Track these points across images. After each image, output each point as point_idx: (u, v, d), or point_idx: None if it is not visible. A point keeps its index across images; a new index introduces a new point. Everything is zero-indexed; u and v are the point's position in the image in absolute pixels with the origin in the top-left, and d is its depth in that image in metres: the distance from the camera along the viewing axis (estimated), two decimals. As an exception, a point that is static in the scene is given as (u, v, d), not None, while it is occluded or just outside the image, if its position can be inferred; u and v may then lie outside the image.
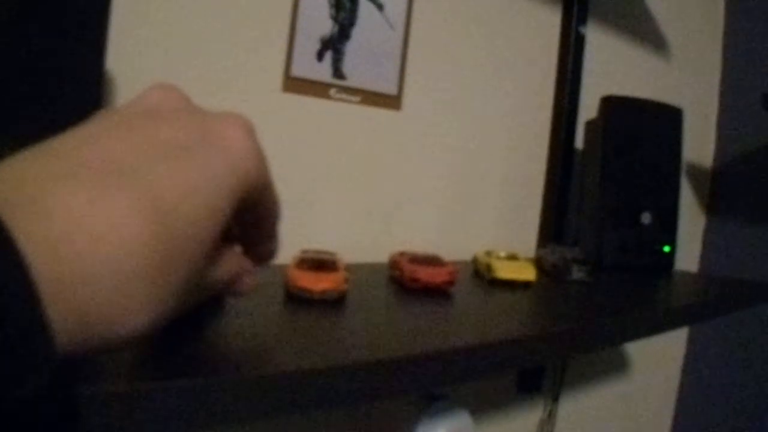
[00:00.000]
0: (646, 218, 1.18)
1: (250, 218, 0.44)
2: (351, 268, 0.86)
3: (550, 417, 1.44)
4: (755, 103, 1.39)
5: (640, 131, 1.20)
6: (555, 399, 1.43)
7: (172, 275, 0.31)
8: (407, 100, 1.08)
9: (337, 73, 0.99)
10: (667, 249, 1.22)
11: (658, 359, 1.86)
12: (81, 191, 0.28)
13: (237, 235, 0.47)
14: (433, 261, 0.81)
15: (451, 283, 0.77)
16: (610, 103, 1.19)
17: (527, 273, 0.88)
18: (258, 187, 0.40)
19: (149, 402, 0.36)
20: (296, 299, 0.63)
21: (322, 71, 0.98)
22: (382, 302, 0.69)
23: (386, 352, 0.50)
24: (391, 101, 1.06)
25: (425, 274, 0.76)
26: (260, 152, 0.40)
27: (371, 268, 0.90)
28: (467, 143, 1.19)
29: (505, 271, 0.88)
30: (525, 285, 0.89)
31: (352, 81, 1.01)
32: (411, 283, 0.76)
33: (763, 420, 1.75)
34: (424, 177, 1.12)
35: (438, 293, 0.76)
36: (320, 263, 0.70)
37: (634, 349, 1.75)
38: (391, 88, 1.05)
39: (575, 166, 1.32)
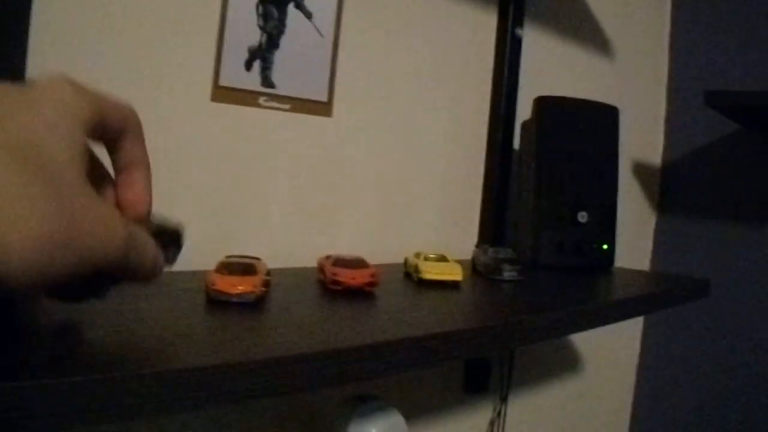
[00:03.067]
0: (583, 217, 1.21)
1: (108, 137, 0.48)
2: (280, 272, 0.88)
3: (500, 417, 1.46)
4: (701, 100, 1.43)
5: (575, 130, 1.24)
6: (504, 398, 1.46)
7: (43, 185, 0.37)
8: (338, 106, 1.11)
9: (266, 81, 1.01)
10: (605, 247, 1.25)
11: (612, 356, 1.90)
12: None
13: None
14: (356, 263, 0.83)
15: (373, 284, 0.79)
16: (543, 103, 1.23)
17: (454, 273, 0.91)
18: (97, 112, 0.45)
19: (48, 396, 0.38)
20: (214, 302, 0.66)
21: (251, 80, 1.00)
22: (302, 304, 0.71)
23: (300, 349, 0.52)
24: (322, 108, 1.08)
25: (346, 276, 0.78)
26: (81, 88, 0.44)
27: (301, 273, 0.92)
28: (402, 147, 1.21)
29: (433, 271, 0.91)
30: (453, 285, 0.92)
31: (281, 89, 1.03)
32: (332, 285, 0.79)
33: (720, 413, 1.78)
34: (358, 182, 1.15)
35: (361, 295, 0.78)
36: (241, 267, 0.72)
37: (586, 347, 1.78)
38: (321, 95, 1.08)
39: (513, 167, 1.34)
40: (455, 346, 0.65)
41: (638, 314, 1.05)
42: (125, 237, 0.43)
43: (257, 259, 0.79)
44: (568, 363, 1.74)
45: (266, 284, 0.71)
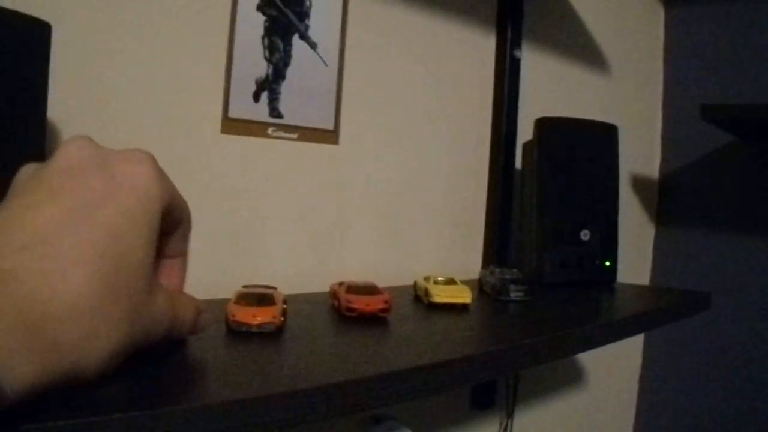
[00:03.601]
0: (585, 235, 1.24)
1: (167, 226, 0.52)
2: (293, 299, 0.90)
3: (506, 433, 1.49)
4: (697, 114, 1.45)
5: (576, 150, 1.26)
6: (510, 415, 1.48)
7: (119, 302, 0.41)
8: (344, 133, 1.14)
9: (274, 112, 1.04)
10: (608, 263, 1.27)
11: (614, 370, 1.91)
12: (35, 258, 0.37)
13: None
14: (369, 290, 0.85)
15: (386, 310, 0.81)
16: (543, 124, 1.25)
17: (464, 296, 0.93)
18: (169, 202, 0.49)
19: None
20: (235, 333, 0.68)
21: (259, 111, 1.03)
22: (319, 332, 0.73)
23: (321, 378, 0.54)
24: (328, 136, 1.11)
25: (360, 303, 0.81)
26: (161, 175, 0.49)
27: (314, 299, 0.94)
28: (406, 171, 1.24)
29: (442, 295, 0.93)
30: (463, 307, 0.94)
31: (289, 119, 1.06)
32: (347, 312, 0.81)
33: (722, 425, 1.79)
34: (364, 207, 1.18)
35: (375, 321, 0.81)
36: (259, 297, 0.74)
37: (589, 361, 1.80)
38: (327, 123, 1.11)
39: (516, 187, 1.37)
40: (469, 371, 0.67)
41: (642, 330, 1.07)
42: (171, 317, 0.50)
43: (273, 288, 0.81)
44: (572, 378, 1.76)
45: (284, 313, 0.73)
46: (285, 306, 0.75)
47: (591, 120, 1.30)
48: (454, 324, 0.82)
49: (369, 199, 1.18)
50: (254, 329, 0.68)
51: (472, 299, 0.95)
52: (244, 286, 0.81)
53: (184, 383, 0.51)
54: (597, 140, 1.30)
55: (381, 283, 0.91)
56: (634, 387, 2.02)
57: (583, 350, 0.89)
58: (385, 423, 0.97)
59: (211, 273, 0.95)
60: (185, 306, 0.53)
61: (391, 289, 1.04)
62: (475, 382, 0.68)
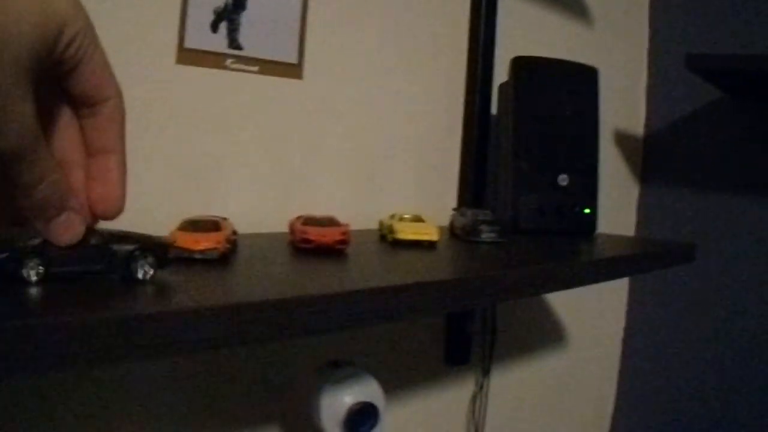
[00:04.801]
0: (563, 180, 1.20)
1: (80, 91, 0.47)
2: (251, 237, 0.87)
3: (482, 390, 1.45)
4: (683, 68, 1.42)
5: (554, 91, 1.22)
6: (486, 372, 1.45)
7: None
8: (309, 68, 1.09)
9: (233, 43, 0.99)
10: (587, 211, 1.23)
11: (596, 327, 1.89)
12: None
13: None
14: (327, 222, 0.82)
15: (344, 242, 0.78)
16: (520, 64, 1.21)
17: (430, 233, 0.90)
18: (79, 24, 0.43)
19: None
20: (178, 260, 0.64)
21: (218, 42, 0.98)
22: (269, 262, 0.70)
23: (265, 296, 0.51)
24: (292, 70, 1.06)
25: (316, 233, 0.77)
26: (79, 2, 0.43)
27: (272, 237, 0.91)
28: (376, 111, 1.20)
29: (407, 231, 0.89)
30: (429, 245, 0.90)
31: (249, 50, 1.01)
32: (302, 243, 0.77)
33: (707, 382, 1.78)
34: (331, 146, 1.13)
35: (332, 253, 0.77)
36: (204, 224, 0.70)
37: (570, 317, 1.77)
38: (290, 57, 1.06)
39: (492, 131, 1.33)
40: (430, 298, 0.64)
41: (622, 275, 1.03)
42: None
43: (224, 218, 0.77)
44: (552, 335, 1.73)
45: (231, 242, 0.70)
46: (234, 236, 0.72)
47: (570, 61, 1.26)
48: (417, 260, 0.78)
49: (335, 137, 1.14)
50: (196, 255, 0.65)
51: (440, 238, 0.92)
52: (192, 217, 0.77)
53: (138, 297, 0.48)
54: (576, 82, 1.26)
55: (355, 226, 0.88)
56: (617, 345, 1.99)
57: (556, 288, 0.85)
58: (345, 368, 0.93)
59: (165, 210, 0.91)
60: (59, 170, 0.46)
61: (358, 232, 1.00)
62: (438, 311, 0.65)
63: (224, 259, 0.67)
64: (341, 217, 0.91)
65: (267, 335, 0.50)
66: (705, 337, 1.80)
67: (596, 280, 0.93)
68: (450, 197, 1.34)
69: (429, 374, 1.37)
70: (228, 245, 0.68)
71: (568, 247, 1.04)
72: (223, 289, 0.53)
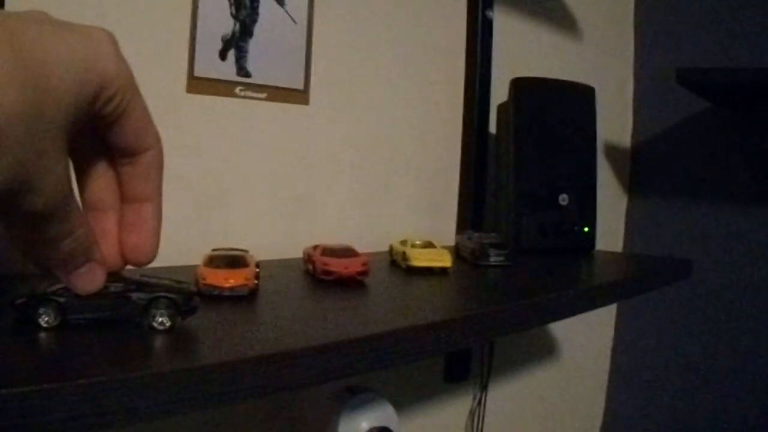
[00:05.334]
0: (563, 200, 1.23)
1: (120, 147, 0.48)
2: (266, 264, 0.88)
3: (480, 405, 1.47)
4: (670, 78, 1.44)
5: (552, 111, 1.25)
6: (484, 387, 1.46)
7: (24, 102, 0.36)
8: (315, 94, 1.10)
9: (242, 71, 1.01)
10: (586, 229, 1.26)
11: (587, 342, 1.91)
12: None
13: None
14: (346, 252, 0.83)
15: (365, 273, 0.79)
16: (519, 85, 1.23)
17: (443, 259, 0.91)
18: (120, 81, 0.44)
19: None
20: (206, 298, 0.64)
21: (226, 70, 0.99)
22: (295, 295, 0.71)
23: (300, 342, 0.51)
24: (298, 96, 1.08)
25: (338, 265, 0.78)
26: (120, 53, 0.45)
27: (286, 264, 0.92)
28: (378, 134, 1.22)
29: (421, 258, 0.91)
30: (442, 272, 0.92)
31: (257, 78, 1.03)
32: (324, 275, 0.78)
33: (695, 397, 1.80)
34: (336, 170, 1.15)
35: (352, 284, 0.79)
36: (231, 260, 0.71)
37: (562, 332, 1.80)
38: (297, 83, 1.08)
39: (490, 151, 1.35)
40: (454, 334, 0.65)
41: (624, 297, 1.06)
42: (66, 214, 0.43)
43: (245, 251, 0.78)
44: (544, 350, 1.76)
45: (257, 276, 0.71)
46: (258, 269, 0.73)
47: (568, 81, 1.29)
48: (434, 288, 0.80)
49: (340, 161, 1.16)
50: (226, 293, 0.66)
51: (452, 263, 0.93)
52: (214, 250, 0.78)
53: (153, 350, 0.48)
54: (574, 102, 1.28)
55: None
56: (607, 358, 2.01)
57: (567, 316, 0.87)
58: (362, 394, 0.95)
59: (176, 238, 0.92)
60: (87, 225, 0.46)
61: (367, 255, 1.02)
62: (459, 347, 0.66)
63: (252, 295, 0.68)
64: (346, 241, 0.92)
65: (306, 381, 0.51)
66: (691, 346, 1.82)
67: (602, 304, 0.96)
68: (450, 217, 1.36)
69: (430, 392, 1.38)
70: (255, 281, 0.69)
71: (571, 270, 1.06)
72: (261, 333, 0.54)
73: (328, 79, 1.13)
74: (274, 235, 1.06)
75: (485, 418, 1.50)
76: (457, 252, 1.12)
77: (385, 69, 1.22)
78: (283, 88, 1.06)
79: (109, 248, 0.49)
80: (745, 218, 1.73)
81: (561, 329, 1.79)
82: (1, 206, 0.38)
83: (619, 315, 2.00)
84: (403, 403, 1.31)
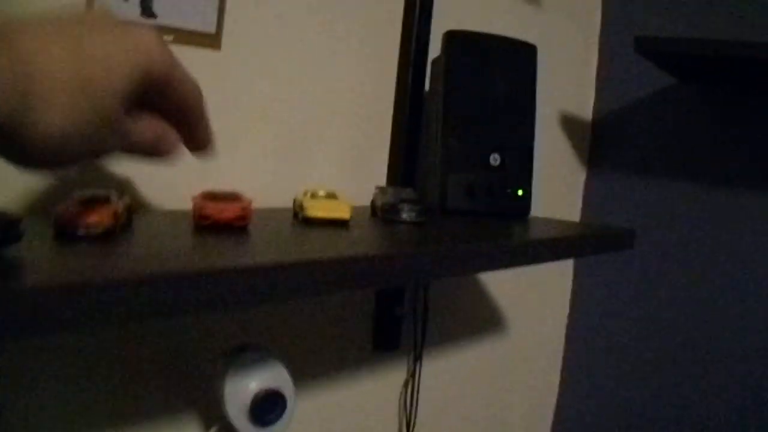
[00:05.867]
0: (495, 159, 1.18)
1: (172, 104, 0.61)
2: (155, 214, 0.85)
3: (414, 377, 1.43)
4: (634, 53, 1.41)
5: (488, 68, 1.20)
6: (417, 358, 1.42)
7: (89, 97, 0.49)
8: (228, 38, 1.05)
9: (146, 11, 0.96)
10: (520, 192, 1.21)
11: (538, 317, 1.88)
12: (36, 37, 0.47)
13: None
14: (229, 197, 0.79)
15: (244, 218, 0.75)
16: (453, 38, 1.18)
17: (341, 210, 0.87)
18: (163, 69, 0.56)
19: None
20: (62, 237, 0.62)
21: (129, 10, 0.94)
22: (163, 238, 0.67)
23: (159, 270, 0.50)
24: (209, 40, 1.03)
25: (214, 209, 0.74)
26: (164, 43, 0.57)
27: (178, 215, 0.88)
28: (301, 86, 1.17)
29: (317, 208, 0.86)
30: (341, 223, 0.88)
31: (163, 19, 0.97)
32: (200, 220, 0.74)
33: (650, 369, 1.78)
34: (250, 122, 1.10)
35: (233, 231, 0.74)
36: (96, 198, 0.68)
37: (511, 308, 1.76)
38: (208, 26, 1.02)
39: (425, 108, 1.30)
40: (335, 274, 0.62)
41: (551, 258, 1.00)
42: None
43: (119, 193, 0.74)
44: (491, 320, 1.72)
45: (120, 217, 0.67)
46: (123, 210, 0.69)
47: (507, 37, 1.24)
48: (325, 239, 0.76)
49: (256, 113, 1.10)
50: (80, 231, 0.62)
51: (356, 219, 0.89)
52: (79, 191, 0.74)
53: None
54: (513, 60, 1.23)
55: (266, 204, 0.90)
56: (561, 335, 1.99)
57: (475, 269, 0.83)
58: (251, 352, 0.91)
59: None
60: (147, 131, 0.60)
61: (275, 210, 0.98)
62: (338, 288, 0.61)
63: (108, 235, 0.64)
64: (262, 198, 0.88)
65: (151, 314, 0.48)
66: (648, 320, 1.80)
67: (521, 263, 0.91)
68: (380, 177, 1.31)
69: (357, 360, 1.34)
70: (113, 221, 0.65)
71: (497, 229, 1.01)
72: (111, 266, 0.50)
73: (244, 23, 1.07)
74: (173, 185, 1.01)
75: (420, 392, 1.46)
76: (372, 208, 1.08)
77: (312, 16, 1.17)
78: (192, 31, 1.01)
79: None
80: (708, 195, 1.71)
81: (509, 299, 1.76)
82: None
83: (575, 287, 1.98)
84: (327, 371, 1.28)
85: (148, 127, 0.60)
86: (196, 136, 0.66)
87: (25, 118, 0.46)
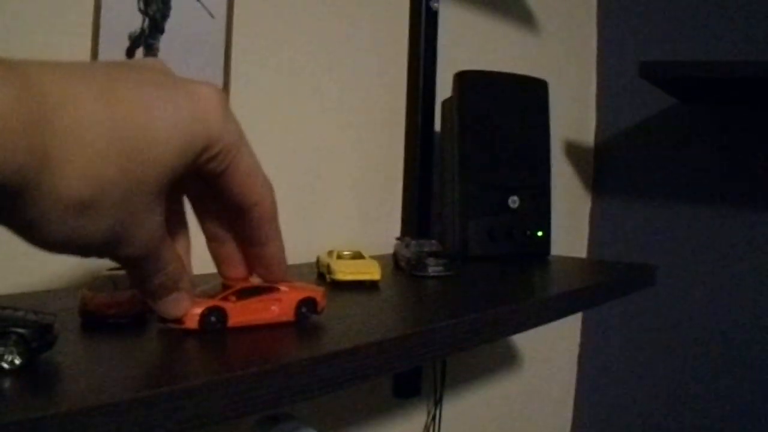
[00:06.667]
0: (514, 202, 1.16)
1: (230, 203, 0.52)
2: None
3: (435, 421, 1.41)
4: (634, 74, 1.40)
5: (501, 107, 1.18)
6: (438, 402, 1.40)
7: (125, 164, 0.40)
8: (236, 93, 1.03)
9: (150, 66, 0.94)
10: (540, 233, 1.19)
11: (551, 353, 1.86)
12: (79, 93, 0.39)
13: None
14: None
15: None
16: (464, 79, 1.17)
17: (371, 271, 0.84)
18: (223, 143, 0.46)
19: None
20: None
21: (132, 66, 0.92)
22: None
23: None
24: (217, 94, 1.01)
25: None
26: (228, 111, 0.48)
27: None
28: (310, 135, 1.14)
29: (346, 271, 0.84)
30: (371, 285, 0.85)
31: (168, 74, 0.95)
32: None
33: (663, 404, 1.76)
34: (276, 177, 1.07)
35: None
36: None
37: (524, 343, 1.74)
38: (215, 79, 1.00)
39: (436, 152, 1.28)
40: (379, 359, 0.58)
41: (583, 308, 0.99)
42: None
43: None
44: (506, 362, 1.70)
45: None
46: None
47: (517, 74, 1.22)
48: (360, 304, 0.73)
49: (266, 166, 1.08)
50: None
51: (382, 275, 0.86)
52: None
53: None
54: (525, 97, 1.22)
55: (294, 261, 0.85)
56: (573, 369, 1.96)
57: (515, 332, 0.80)
58: (285, 423, 0.88)
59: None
60: (176, 261, 0.51)
61: (295, 267, 0.95)
62: (389, 372, 0.59)
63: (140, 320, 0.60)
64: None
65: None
66: (660, 352, 1.78)
67: (557, 317, 0.89)
68: (394, 224, 1.29)
69: (378, 409, 1.31)
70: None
71: (522, 279, 0.99)
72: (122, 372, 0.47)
73: (251, 76, 1.05)
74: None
75: (442, 434, 1.44)
76: (395, 262, 1.05)
77: (317, 65, 1.15)
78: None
79: (232, 270, 0.59)
80: (715, 219, 1.69)
81: (523, 339, 1.73)
82: (98, 254, 0.44)
83: (586, 321, 1.95)
84: (351, 423, 1.25)
85: (178, 258, 0.51)
86: (263, 257, 0.57)
87: (40, 178, 0.36)
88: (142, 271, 0.48)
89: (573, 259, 1.23)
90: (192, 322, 0.55)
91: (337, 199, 1.19)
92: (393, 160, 1.29)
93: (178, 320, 0.54)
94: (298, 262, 1.04)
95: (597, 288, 0.99)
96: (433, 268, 0.94)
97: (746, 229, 1.65)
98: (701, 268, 1.70)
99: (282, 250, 0.58)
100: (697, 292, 1.71)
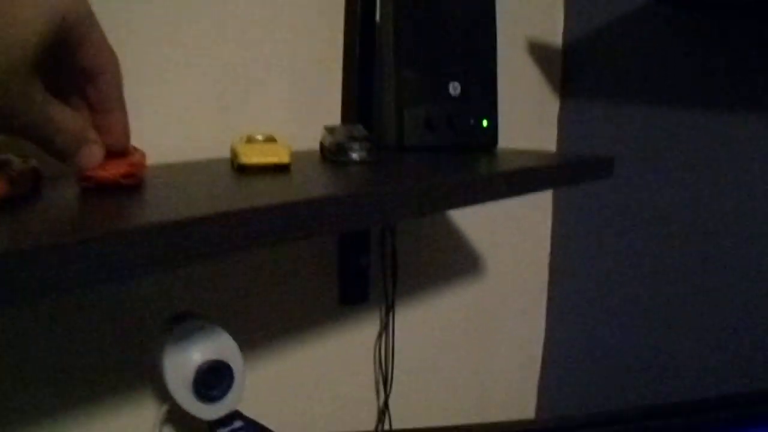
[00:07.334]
0: (455, 88, 1.10)
1: (85, 73, 0.56)
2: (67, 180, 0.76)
3: (387, 329, 1.37)
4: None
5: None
6: (389, 309, 1.36)
7: None
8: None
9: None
10: (485, 123, 1.13)
11: (518, 259, 1.81)
12: None
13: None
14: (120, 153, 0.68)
15: (132, 176, 0.64)
16: (402, -41, 1.10)
17: (279, 154, 0.79)
18: (79, 19, 0.51)
19: None
20: None
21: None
22: (60, 205, 0.59)
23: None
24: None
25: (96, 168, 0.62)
26: None
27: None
28: (242, 22, 1.08)
29: (251, 154, 0.78)
30: (279, 169, 0.79)
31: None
32: (82, 182, 0.63)
33: (636, 299, 1.74)
34: (186, 59, 1.01)
35: (125, 190, 0.63)
36: None
37: (487, 247, 1.70)
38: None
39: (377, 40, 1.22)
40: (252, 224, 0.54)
41: (523, 190, 0.92)
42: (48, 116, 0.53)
43: (23, 158, 0.65)
44: (467, 265, 1.65)
45: (12, 183, 0.58)
46: (28, 177, 0.63)
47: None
48: (261, 185, 0.67)
49: (191, 52, 1.01)
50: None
51: (302, 164, 0.81)
52: None
53: None
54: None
55: (206, 155, 0.89)
56: (544, 276, 1.92)
57: (434, 209, 0.74)
58: (192, 321, 0.83)
59: None
60: (70, 119, 0.55)
61: (213, 161, 0.90)
62: (270, 241, 0.53)
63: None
64: (201, 146, 0.81)
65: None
66: (636, 255, 1.76)
67: (490, 197, 0.83)
68: (335, 119, 1.23)
69: (323, 318, 1.28)
70: (9, 188, 0.57)
71: (461, 162, 0.93)
72: None
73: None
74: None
75: (395, 345, 1.40)
76: (321, 150, 1.00)
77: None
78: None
79: None
80: (687, 119, 1.64)
81: (486, 241, 1.69)
82: None
83: (555, 226, 1.92)
84: (292, 333, 1.22)
85: (72, 116, 0.55)
86: (108, 124, 0.60)
87: None
88: (43, 136, 0.53)
89: (522, 150, 1.18)
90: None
91: (268, 91, 1.13)
92: (332, 50, 1.23)
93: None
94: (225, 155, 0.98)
95: (545, 170, 0.95)
96: (357, 153, 0.89)
97: (718, 130, 1.60)
98: (674, 169, 1.66)
99: (125, 119, 0.61)
100: (668, 192, 1.67)
